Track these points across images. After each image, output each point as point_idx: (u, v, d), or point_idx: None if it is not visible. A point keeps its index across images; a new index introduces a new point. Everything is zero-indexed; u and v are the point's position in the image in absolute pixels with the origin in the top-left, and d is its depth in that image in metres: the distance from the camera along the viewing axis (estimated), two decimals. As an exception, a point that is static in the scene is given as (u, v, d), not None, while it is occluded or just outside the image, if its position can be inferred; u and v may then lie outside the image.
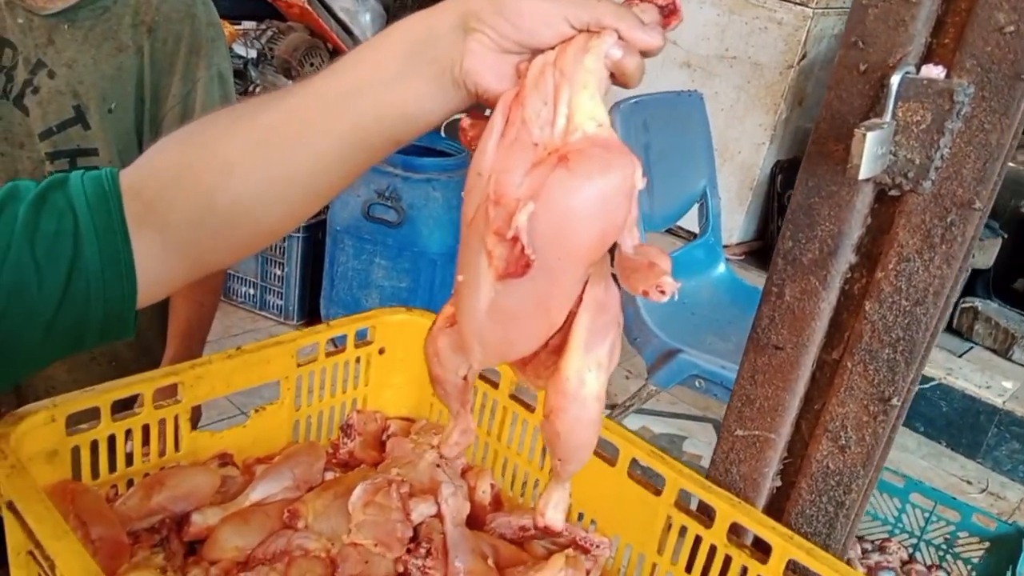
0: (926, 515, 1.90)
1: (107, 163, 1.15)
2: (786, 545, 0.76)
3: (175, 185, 0.61)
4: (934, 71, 0.67)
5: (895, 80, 0.67)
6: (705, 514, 0.83)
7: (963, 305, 2.86)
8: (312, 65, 3.99)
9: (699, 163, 2.02)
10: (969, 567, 1.87)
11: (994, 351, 2.79)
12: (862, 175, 0.67)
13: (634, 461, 0.87)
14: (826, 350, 0.79)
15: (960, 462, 2.54)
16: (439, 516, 0.88)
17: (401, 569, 0.83)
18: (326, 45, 4.12)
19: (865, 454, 0.77)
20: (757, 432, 0.83)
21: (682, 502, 0.85)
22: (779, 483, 0.85)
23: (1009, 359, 2.75)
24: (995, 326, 2.78)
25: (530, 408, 0.96)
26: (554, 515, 0.59)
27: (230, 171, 0.60)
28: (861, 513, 0.83)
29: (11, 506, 0.69)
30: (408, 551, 0.85)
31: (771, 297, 0.80)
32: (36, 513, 0.65)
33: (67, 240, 0.60)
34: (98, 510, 0.77)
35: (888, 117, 0.67)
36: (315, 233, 2.64)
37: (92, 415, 0.81)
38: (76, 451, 0.81)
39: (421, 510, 0.88)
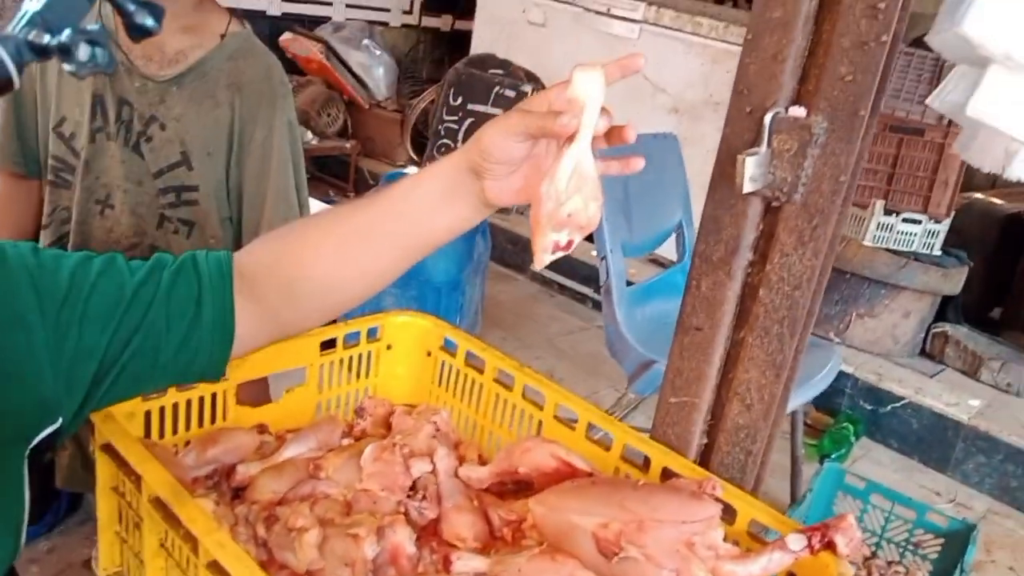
0: (885, 515, 2.08)
1: (205, 196, 1.43)
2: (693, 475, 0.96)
3: (271, 273, 0.86)
4: (798, 111, 0.90)
5: (768, 118, 0.89)
6: (646, 464, 1.04)
7: (935, 330, 3.05)
8: (329, 116, 4.27)
9: (675, 198, 2.24)
10: (927, 562, 2.04)
11: (964, 372, 2.97)
12: (745, 190, 0.89)
13: (590, 425, 1.08)
14: (735, 330, 1.01)
15: (931, 475, 2.70)
16: (434, 472, 1.09)
17: (403, 509, 1.04)
18: (342, 97, 4.42)
19: (764, 410, 0.98)
20: (686, 398, 1.04)
21: (627, 456, 1.06)
22: (705, 440, 1.06)
23: (977, 380, 2.93)
24: (964, 349, 2.97)
25: (509, 388, 1.17)
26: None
27: (312, 264, 0.86)
28: (767, 460, 1.03)
29: (106, 446, 0.91)
30: (408, 496, 1.05)
31: (691, 289, 1.01)
32: (126, 446, 0.87)
33: (191, 304, 0.83)
34: (166, 458, 0.98)
35: (764, 146, 0.90)
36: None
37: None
38: (148, 415, 1.03)
39: (419, 467, 1.09)
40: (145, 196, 1.42)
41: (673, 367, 1.04)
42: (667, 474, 1.01)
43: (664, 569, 0.86)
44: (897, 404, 2.77)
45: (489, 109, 3.83)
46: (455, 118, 3.93)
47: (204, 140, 1.41)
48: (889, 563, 2.04)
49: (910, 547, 2.05)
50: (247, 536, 0.95)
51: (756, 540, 0.93)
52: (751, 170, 0.88)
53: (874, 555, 2.07)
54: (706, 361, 1.01)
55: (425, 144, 4.13)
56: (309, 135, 4.07)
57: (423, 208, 0.82)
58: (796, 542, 0.85)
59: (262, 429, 1.13)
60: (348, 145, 4.30)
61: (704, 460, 1.05)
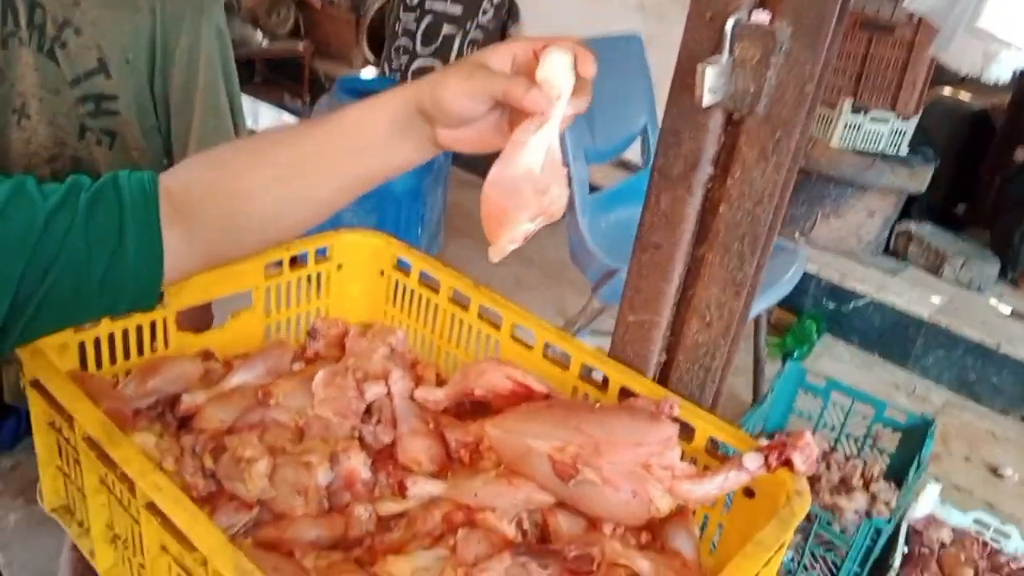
0: (845, 411, 2.12)
1: (126, 107, 1.35)
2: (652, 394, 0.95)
3: (203, 201, 0.80)
4: (761, 16, 0.84)
5: (729, 24, 0.83)
6: (604, 384, 1.02)
7: (898, 228, 3.05)
8: (279, 15, 4.07)
9: (639, 101, 2.17)
10: (884, 455, 2.10)
11: (926, 270, 2.99)
12: (705, 103, 0.84)
13: (547, 344, 1.06)
14: (695, 247, 0.97)
15: (890, 370, 2.76)
16: (389, 395, 1.07)
17: (357, 434, 1.02)
18: (292, -5, 4.20)
19: (724, 327, 0.96)
20: (645, 317, 1.02)
21: (584, 375, 1.04)
22: (664, 358, 1.04)
23: (939, 277, 2.96)
24: (927, 247, 2.98)
25: (465, 307, 1.14)
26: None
27: (250, 196, 0.79)
28: (725, 376, 1.02)
29: (35, 383, 0.87)
30: (362, 421, 1.03)
31: (650, 205, 0.97)
32: (55, 384, 0.82)
33: (114, 230, 0.76)
34: (104, 390, 0.94)
35: (726, 55, 0.84)
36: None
37: (95, 317, 0.97)
38: (82, 347, 0.98)
39: (373, 390, 1.06)
40: (63, 105, 1.33)
41: (632, 285, 1.01)
42: (626, 393, 1.00)
43: (621, 491, 0.85)
44: (859, 302, 2.79)
45: (448, 7, 3.66)
46: (413, 16, 3.75)
47: (123, 47, 1.32)
48: (847, 458, 2.09)
49: (868, 441, 2.10)
50: (194, 468, 0.92)
51: (715, 457, 0.92)
52: (711, 80, 0.83)
53: (833, 450, 2.12)
54: (665, 279, 0.98)
55: (383, 44, 3.96)
56: (259, 36, 3.88)
57: (371, 143, 0.77)
58: (753, 461, 0.84)
59: (207, 356, 1.09)
60: (301, 46, 4.10)
61: (663, 378, 1.03)
